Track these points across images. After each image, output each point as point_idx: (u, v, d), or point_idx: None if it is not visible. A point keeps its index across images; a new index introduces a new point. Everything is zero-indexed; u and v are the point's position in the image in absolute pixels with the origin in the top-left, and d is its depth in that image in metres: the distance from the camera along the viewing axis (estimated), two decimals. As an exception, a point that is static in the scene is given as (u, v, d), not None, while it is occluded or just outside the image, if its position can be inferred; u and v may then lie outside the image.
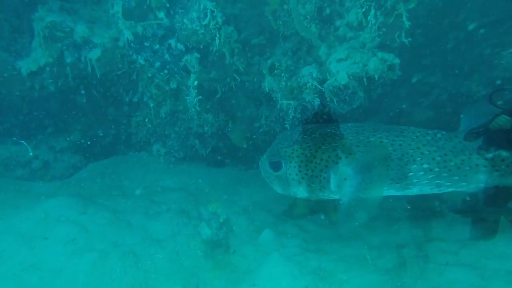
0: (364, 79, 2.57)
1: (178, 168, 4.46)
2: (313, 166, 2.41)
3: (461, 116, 2.56)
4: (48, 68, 3.68)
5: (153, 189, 4.05)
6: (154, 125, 4.51)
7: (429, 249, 2.70)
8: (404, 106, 4.92)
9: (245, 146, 4.22)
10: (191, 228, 3.27)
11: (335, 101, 2.67)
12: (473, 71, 4.44)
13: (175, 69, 3.06)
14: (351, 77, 2.57)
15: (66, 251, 2.79)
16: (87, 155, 4.80)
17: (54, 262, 2.69)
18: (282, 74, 2.98)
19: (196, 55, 3.00)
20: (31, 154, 4.02)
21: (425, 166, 2.27)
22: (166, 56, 2.99)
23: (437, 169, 2.27)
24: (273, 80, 3.05)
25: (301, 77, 2.84)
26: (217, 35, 2.87)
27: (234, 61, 3.28)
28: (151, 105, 4.16)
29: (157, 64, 3.09)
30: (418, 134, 2.36)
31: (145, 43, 3.02)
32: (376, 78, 2.59)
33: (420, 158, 2.27)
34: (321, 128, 2.59)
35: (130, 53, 3.19)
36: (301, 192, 2.57)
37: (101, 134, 4.80)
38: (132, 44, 3.10)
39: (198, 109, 3.26)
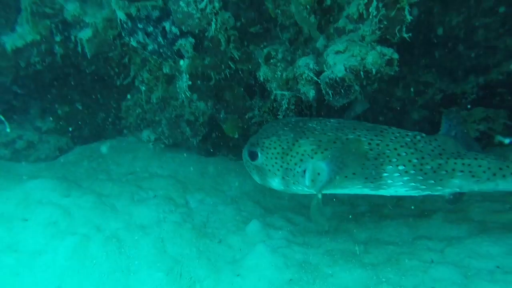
0: (361, 73, 2.52)
1: (167, 155, 4.39)
2: (288, 159, 2.41)
3: (443, 118, 2.50)
4: (35, 46, 3.54)
5: (140, 175, 3.97)
6: (145, 111, 4.41)
7: (415, 246, 2.71)
8: (398, 105, 4.93)
9: (236, 136, 4.16)
10: (177, 215, 3.22)
11: (330, 93, 2.62)
12: (469, 72, 4.46)
13: (169, 53, 2.96)
14: (348, 70, 2.51)
15: (46, 233, 2.72)
16: (75, 137, 4.68)
17: (33, 244, 2.61)
18: (278, 64, 2.91)
19: (191, 39, 2.90)
20: (8, 130, 3.90)
21: (401, 167, 2.24)
22: (160, 39, 2.88)
23: (412, 172, 2.23)
24: (268, 70, 2.98)
25: (297, 68, 2.78)
26: (214, 20, 2.77)
27: (229, 48, 3.20)
28: (143, 89, 4.05)
29: (150, 47, 2.99)
30: (398, 135, 2.34)
31: (139, 25, 2.91)
32: (374, 72, 2.55)
33: (396, 159, 2.25)
34: (304, 122, 2.58)
35: (123, 35, 3.08)
36: (276, 184, 2.57)
37: (90, 117, 4.69)
38: (125, 25, 2.99)
39: (188, 94, 3.17)
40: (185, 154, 4.47)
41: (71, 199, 3.16)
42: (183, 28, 2.79)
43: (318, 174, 2.29)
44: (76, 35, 3.43)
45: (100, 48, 3.62)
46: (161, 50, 2.90)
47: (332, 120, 2.54)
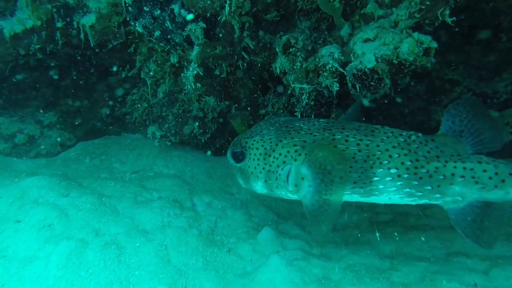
0: (395, 64, 2.20)
1: (174, 154, 4.12)
2: (270, 161, 2.19)
3: (444, 114, 2.17)
4: (35, 32, 3.29)
5: (144, 174, 3.71)
6: (151, 105, 4.15)
7: (451, 265, 2.38)
8: (421, 104, 4.58)
9: (248, 134, 3.86)
10: (183, 220, 2.94)
11: (357, 87, 2.31)
12: (503, 69, 4.08)
13: (177, 39, 2.68)
14: (379, 60, 2.20)
15: (39, 237, 2.47)
16: (77, 133, 4.45)
17: (24, 249, 2.36)
18: (298, 53, 2.61)
19: (202, 24, 2.61)
20: None
21: (393, 171, 1.98)
22: (168, 23, 2.60)
23: (406, 176, 1.97)
24: (287, 60, 2.67)
25: (320, 58, 2.47)
26: (228, 2, 2.48)
27: (243, 37, 2.90)
28: (149, 82, 3.80)
29: (157, 33, 2.71)
30: (390, 134, 2.08)
31: (145, 8, 2.64)
32: (408, 64, 2.23)
33: (387, 162, 1.98)
34: (292, 121, 2.36)
35: (128, 19, 2.81)
36: (259, 187, 2.35)
37: (93, 111, 4.44)
38: (130, 8, 2.72)
39: (197, 86, 2.88)
40: (192, 153, 4.19)
41: (70, 199, 2.91)
42: (193, 10, 2.50)
43: (302, 179, 2.04)
44: (79, 21, 3.18)
45: (104, 36, 3.36)
46: (169, 36, 2.61)
47: (321, 120, 2.32)
